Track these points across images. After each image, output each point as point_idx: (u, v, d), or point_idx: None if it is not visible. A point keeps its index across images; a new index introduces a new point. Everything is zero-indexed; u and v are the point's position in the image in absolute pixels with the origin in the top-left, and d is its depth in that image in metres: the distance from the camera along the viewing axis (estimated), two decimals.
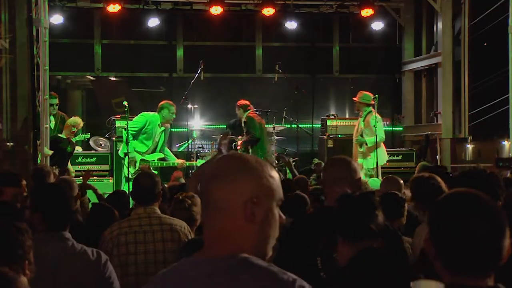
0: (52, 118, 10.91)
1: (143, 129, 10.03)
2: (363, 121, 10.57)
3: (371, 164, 10.38)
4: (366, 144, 10.45)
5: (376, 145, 10.29)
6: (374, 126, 10.27)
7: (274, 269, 1.80)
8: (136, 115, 11.27)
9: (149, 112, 10.26)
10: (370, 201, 3.12)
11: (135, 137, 10.01)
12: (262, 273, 1.78)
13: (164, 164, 10.11)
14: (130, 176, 9.51)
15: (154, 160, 10.07)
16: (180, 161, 10.19)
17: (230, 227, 1.84)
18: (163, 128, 10.15)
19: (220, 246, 1.84)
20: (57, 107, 11.13)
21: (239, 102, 11.22)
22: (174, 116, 10.19)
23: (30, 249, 2.80)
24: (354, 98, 10.70)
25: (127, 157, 9.92)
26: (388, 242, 3.19)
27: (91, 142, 12.59)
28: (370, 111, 10.51)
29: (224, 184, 1.85)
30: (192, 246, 3.45)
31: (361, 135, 10.56)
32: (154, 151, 10.16)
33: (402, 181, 5.71)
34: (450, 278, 1.88)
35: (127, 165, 9.91)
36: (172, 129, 12.69)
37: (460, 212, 1.89)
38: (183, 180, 10.42)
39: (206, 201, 1.88)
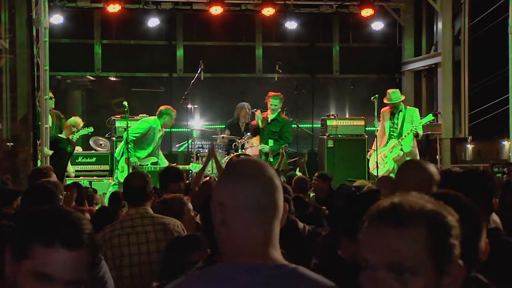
0: (49, 115, 10.94)
1: (145, 135, 10.18)
2: (403, 116, 10.71)
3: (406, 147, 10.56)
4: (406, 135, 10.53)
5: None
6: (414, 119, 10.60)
7: (326, 281, 1.75)
8: (136, 115, 11.31)
9: (149, 117, 10.46)
10: (376, 199, 3.08)
11: (135, 142, 10.16)
12: (315, 284, 1.73)
13: (158, 168, 10.16)
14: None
15: (147, 165, 10.19)
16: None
17: (274, 234, 1.76)
18: (161, 133, 10.35)
19: (259, 254, 1.74)
20: (53, 104, 11.16)
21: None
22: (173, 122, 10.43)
23: None
24: (386, 101, 10.71)
25: (121, 159, 10.14)
26: None
27: (91, 142, 12.61)
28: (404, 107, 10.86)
29: (278, 192, 1.76)
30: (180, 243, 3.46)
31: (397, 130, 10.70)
32: (150, 155, 10.30)
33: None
34: None
35: (120, 169, 10.14)
36: (172, 129, 12.73)
37: None
38: None
39: (247, 206, 1.73)
